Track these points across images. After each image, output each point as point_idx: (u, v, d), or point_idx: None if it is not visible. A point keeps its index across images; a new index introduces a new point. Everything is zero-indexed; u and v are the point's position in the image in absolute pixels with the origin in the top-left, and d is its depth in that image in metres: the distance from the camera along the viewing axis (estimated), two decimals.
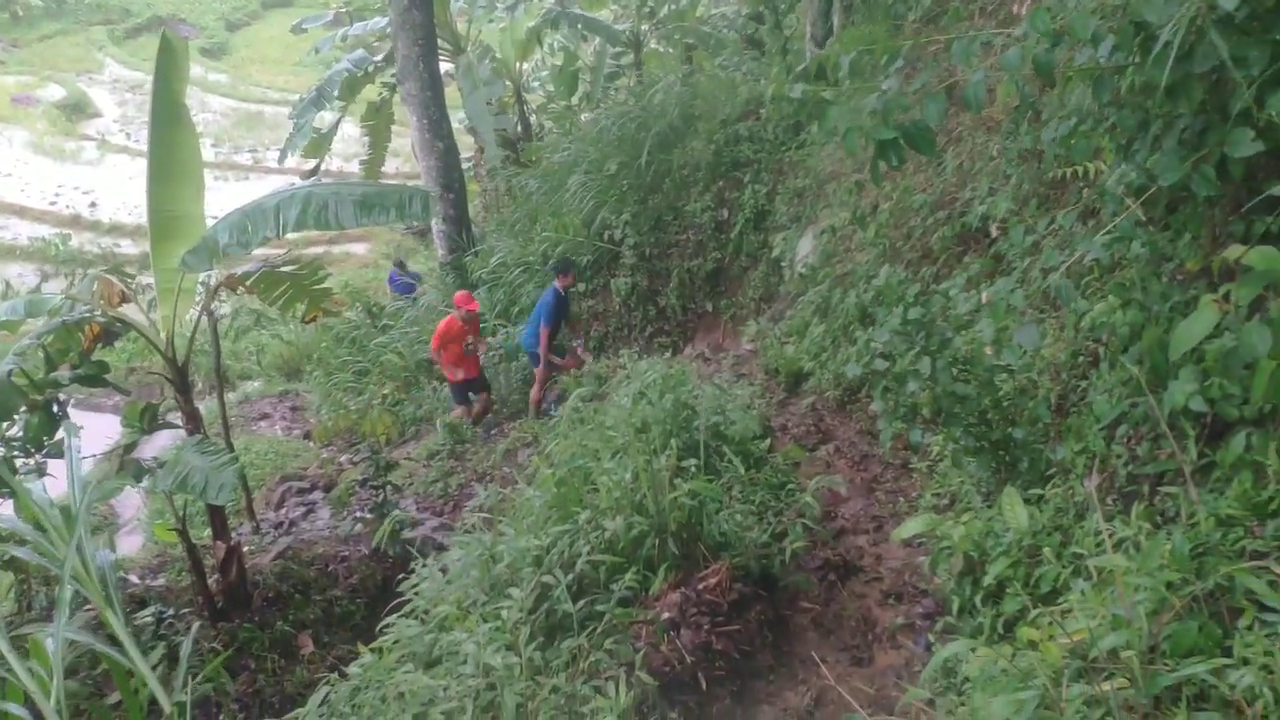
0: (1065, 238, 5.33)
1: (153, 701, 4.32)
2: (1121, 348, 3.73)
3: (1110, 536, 3.16)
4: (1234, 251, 2.56)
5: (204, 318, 7.81)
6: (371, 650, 4.07)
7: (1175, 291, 3.64)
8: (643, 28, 18.76)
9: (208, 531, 8.00)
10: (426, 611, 4.27)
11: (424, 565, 4.59)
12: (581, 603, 3.75)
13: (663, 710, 3.58)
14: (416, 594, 4.31)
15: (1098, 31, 3.29)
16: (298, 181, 11.20)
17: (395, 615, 4.33)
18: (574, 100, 19.12)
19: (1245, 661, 2.59)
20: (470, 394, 11.10)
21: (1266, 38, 3.00)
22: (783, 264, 9.98)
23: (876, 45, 3.65)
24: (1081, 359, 4.88)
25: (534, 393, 10.92)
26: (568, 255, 11.19)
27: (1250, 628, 2.67)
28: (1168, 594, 2.82)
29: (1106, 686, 2.72)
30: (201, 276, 7.41)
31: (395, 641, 4.06)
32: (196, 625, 4.36)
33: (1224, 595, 2.80)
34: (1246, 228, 3.32)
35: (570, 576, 3.83)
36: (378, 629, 4.40)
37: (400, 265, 17.24)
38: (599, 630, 3.66)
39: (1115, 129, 3.76)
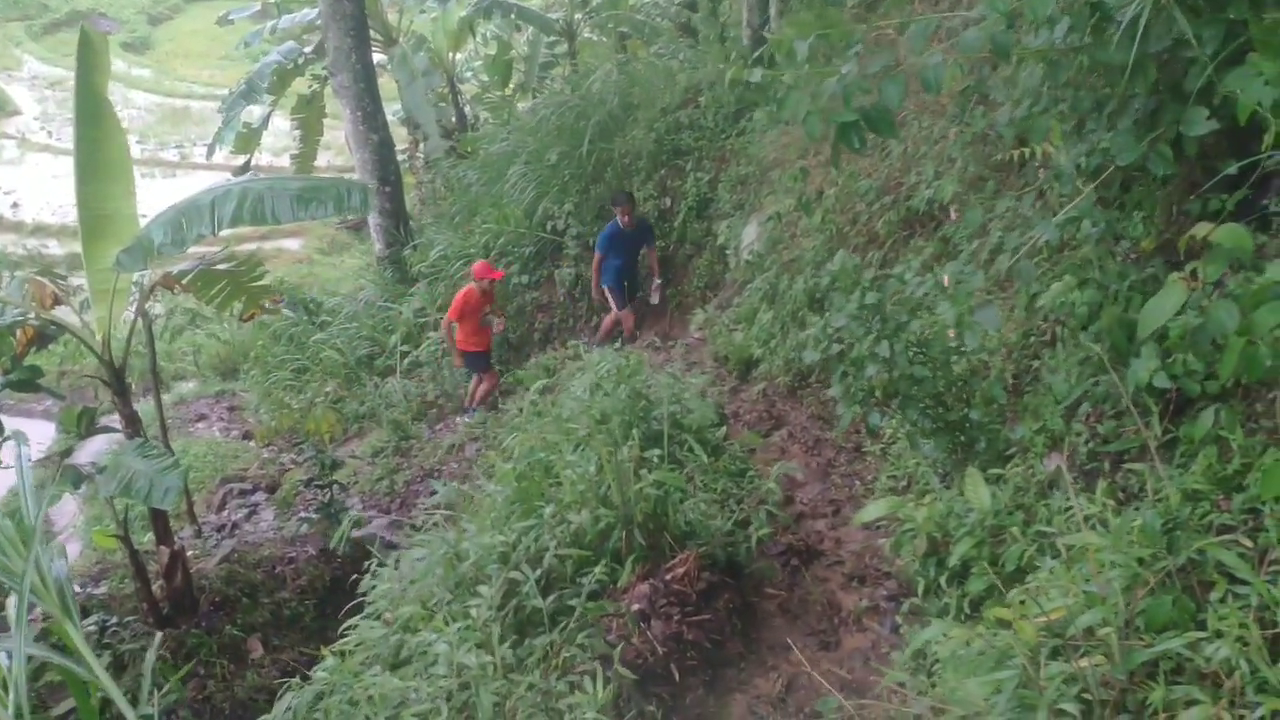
0: (1012, 220, 5.39)
1: (102, 711, 4.20)
2: (1080, 326, 3.77)
3: (1078, 514, 3.18)
4: (1202, 229, 2.59)
5: (139, 319, 7.61)
6: (334, 653, 3.98)
7: (1132, 270, 3.68)
8: (576, 16, 18.65)
9: (148, 537, 7.82)
10: (388, 612, 4.19)
11: (383, 565, 4.51)
12: (551, 598, 3.71)
13: (638, 703, 3.56)
14: (379, 595, 4.23)
15: (1053, 13, 3.32)
16: (230, 178, 10.96)
17: (357, 617, 4.25)
18: (509, 90, 18.96)
19: (1219, 634, 2.62)
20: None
21: (1219, 16, 3.04)
22: (728, 251, 9.99)
23: (832, 30, 3.64)
24: (1033, 339, 4.93)
25: (605, 321, 10.73)
26: (626, 192, 10.80)
27: (1223, 600, 2.70)
28: (1140, 570, 2.85)
29: (1084, 663, 2.75)
30: (135, 276, 7.22)
31: (359, 644, 3.98)
32: (160, 635, 4.24)
33: (1194, 569, 2.84)
34: (1203, 205, 3.38)
35: (538, 572, 3.78)
36: (339, 631, 4.31)
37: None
38: (570, 625, 3.62)
39: (1068, 110, 3.80)
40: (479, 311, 10.39)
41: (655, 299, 10.88)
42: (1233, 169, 3.11)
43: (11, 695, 3.05)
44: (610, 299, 10.52)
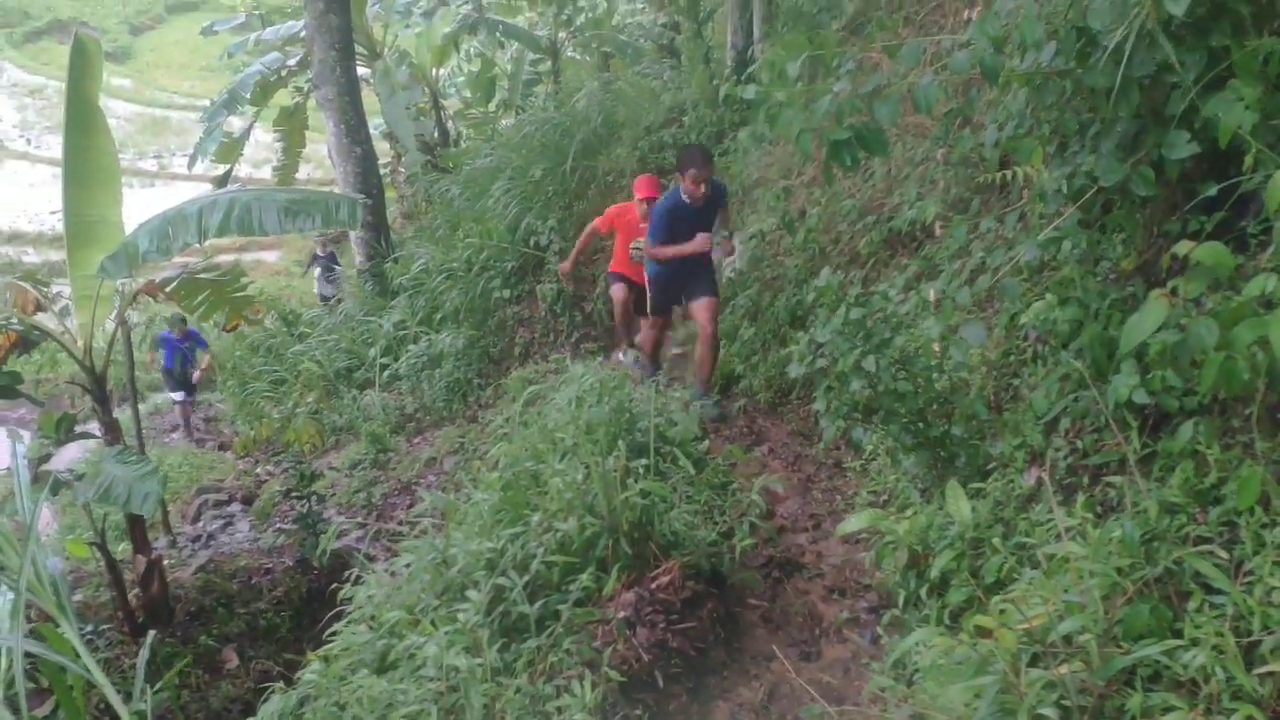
0: (992, 241, 5.49)
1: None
2: (1062, 344, 3.85)
3: (1059, 526, 3.25)
4: (1183, 247, 2.67)
5: (119, 326, 7.60)
6: (320, 658, 4.00)
7: (1112, 290, 3.77)
8: (560, 35, 18.77)
9: (122, 547, 7.79)
10: (373, 618, 4.21)
11: (367, 573, 4.54)
12: (538, 604, 3.74)
13: (624, 709, 3.59)
14: (370, 599, 4.24)
15: (1039, 37, 3.40)
16: (209, 188, 10.93)
17: (341, 623, 4.27)
18: (492, 107, 19.05)
19: (1195, 642, 2.69)
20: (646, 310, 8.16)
21: (1201, 43, 3.14)
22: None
23: (823, 50, 3.72)
24: (1013, 358, 5.01)
25: (642, 335, 8.28)
26: (697, 145, 8.43)
27: (1199, 609, 2.77)
28: (1119, 579, 2.92)
29: (1063, 670, 2.80)
30: (119, 283, 7.22)
31: (344, 649, 4.00)
32: (151, 634, 4.22)
33: (1172, 579, 2.91)
34: (1182, 226, 3.47)
35: (525, 578, 3.81)
36: (321, 639, 4.33)
37: (181, 322, 14.54)
38: (558, 631, 3.65)
39: (1052, 133, 3.89)
40: (632, 236, 8.27)
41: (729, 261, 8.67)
42: (1213, 191, 3.20)
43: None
44: (647, 292, 7.89)
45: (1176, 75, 3.18)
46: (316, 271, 17.79)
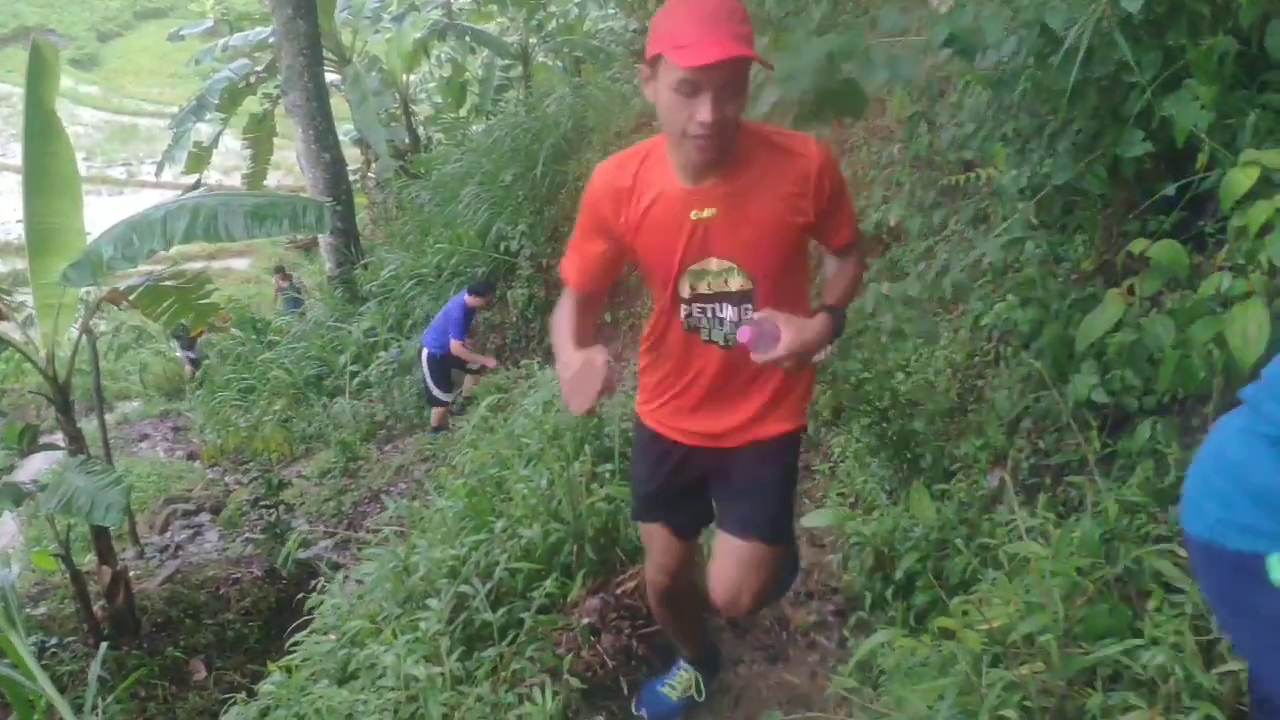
0: (957, 242, 5.50)
1: None
2: (1023, 344, 3.86)
3: (1020, 526, 3.25)
4: (1139, 244, 2.67)
5: (83, 335, 7.52)
6: (280, 669, 3.95)
7: (1072, 290, 3.78)
8: (531, 40, 18.75)
9: (88, 558, 7.71)
10: (336, 627, 4.16)
11: (332, 581, 4.50)
12: (501, 611, 3.71)
13: (586, 715, 3.56)
14: (334, 609, 4.20)
15: (1001, 36, 3.41)
16: (180, 195, 10.86)
17: (304, 633, 4.22)
18: (463, 112, 19.01)
19: (1155, 641, 2.68)
20: None
21: (1158, 43, 3.15)
22: None
23: (789, 49, 3.71)
24: (977, 359, 5.02)
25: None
26: None
27: (1159, 609, 2.77)
28: (1079, 579, 2.91)
29: (1024, 670, 2.80)
30: (82, 292, 7.14)
31: (305, 659, 3.96)
32: (104, 646, 4.18)
33: (1132, 579, 2.91)
34: (1142, 227, 3.48)
35: (488, 586, 3.78)
36: (286, 647, 4.28)
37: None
38: (520, 638, 3.62)
39: (1013, 133, 3.90)
40: None
41: None
42: (1170, 190, 3.21)
43: None
44: None
45: (1134, 75, 3.19)
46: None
